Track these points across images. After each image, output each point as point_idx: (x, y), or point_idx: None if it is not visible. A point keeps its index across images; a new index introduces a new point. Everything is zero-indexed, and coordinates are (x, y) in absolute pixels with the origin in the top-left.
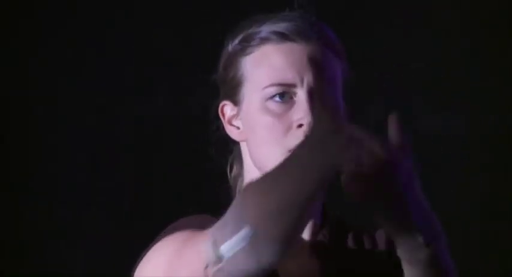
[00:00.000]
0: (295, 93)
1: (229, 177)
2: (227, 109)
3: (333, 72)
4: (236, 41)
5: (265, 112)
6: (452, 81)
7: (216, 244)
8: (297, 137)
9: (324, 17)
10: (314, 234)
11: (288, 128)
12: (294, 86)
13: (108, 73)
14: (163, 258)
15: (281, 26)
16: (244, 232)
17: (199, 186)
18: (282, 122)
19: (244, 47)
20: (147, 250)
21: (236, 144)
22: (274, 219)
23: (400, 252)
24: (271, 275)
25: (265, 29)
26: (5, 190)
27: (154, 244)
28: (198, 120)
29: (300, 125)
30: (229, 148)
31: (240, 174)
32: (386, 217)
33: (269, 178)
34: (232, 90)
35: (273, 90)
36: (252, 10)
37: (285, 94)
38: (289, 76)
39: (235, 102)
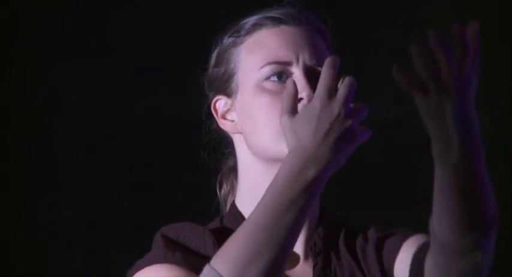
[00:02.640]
0: (291, 73)
1: (218, 194)
2: (220, 104)
3: (326, 57)
4: (226, 37)
5: (262, 92)
6: None
7: None
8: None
9: (323, 17)
10: (308, 235)
11: None
12: (289, 63)
13: (108, 73)
14: None
15: (273, 12)
16: None
17: (200, 186)
18: (280, 99)
19: (235, 39)
20: (137, 268)
21: (229, 144)
22: (252, 267)
23: (435, 153)
24: None
25: (255, 17)
26: (5, 190)
27: (144, 265)
28: (198, 120)
29: (299, 100)
30: (221, 151)
31: (230, 191)
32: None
33: (239, 230)
34: (224, 84)
35: (269, 69)
36: (252, 10)
37: (282, 74)
38: (284, 54)
39: (229, 95)
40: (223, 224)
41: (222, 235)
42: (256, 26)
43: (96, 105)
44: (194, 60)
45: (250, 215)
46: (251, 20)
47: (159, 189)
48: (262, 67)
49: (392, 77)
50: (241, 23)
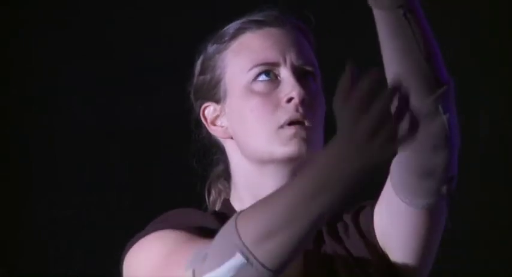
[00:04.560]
0: (279, 73)
1: (207, 201)
2: (209, 111)
3: (312, 57)
4: (209, 45)
5: (252, 94)
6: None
7: (201, 271)
8: (287, 111)
9: (323, 17)
10: None
11: (277, 105)
12: (277, 64)
13: (108, 73)
14: (148, 263)
15: (255, 15)
16: (232, 261)
17: (200, 186)
18: (270, 100)
19: (219, 45)
20: (138, 238)
21: (218, 150)
22: (271, 239)
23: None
24: None
25: (239, 22)
26: (5, 190)
27: (144, 234)
28: (197, 120)
29: (290, 99)
30: (210, 157)
31: (218, 198)
32: None
33: (263, 201)
34: (211, 91)
35: (257, 70)
36: (252, 11)
37: (270, 72)
38: (271, 55)
39: (217, 101)
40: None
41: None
42: (240, 30)
43: (96, 105)
44: (194, 60)
45: (285, 188)
46: (234, 25)
47: (159, 189)
48: (250, 69)
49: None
50: (224, 29)
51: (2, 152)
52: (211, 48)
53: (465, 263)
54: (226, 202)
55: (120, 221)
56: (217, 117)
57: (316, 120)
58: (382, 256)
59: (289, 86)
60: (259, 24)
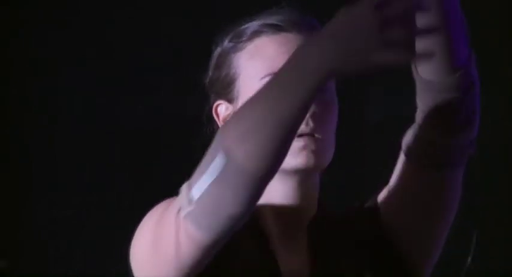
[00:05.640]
0: None
1: None
2: (221, 108)
3: None
4: (226, 40)
5: None
6: None
7: (189, 186)
8: None
9: (323, 17)
10: (309, 223)
11: None
12: None
13: (108, 73)
14: (151, 219)
15: (273, 19)
16: (215, 162)
17: None
18: None
19: (236, 44)
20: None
21: None
22: (248, 138)
23: (425, 77)
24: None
25: (256, 23)
26: (5, 190)
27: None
28: (197, 120)
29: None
30: None
31: None
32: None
33: (243, 105)
34: (225, 89)
35: (267, 78)
36: (252, 10)
37: None
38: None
39: (230, 100)
40: None
41: None
42: (256, 33)
43: (96, 105)
44: (194, 60)
45: (256, 92)
46: (252, 25)
47: (159, 189)
48: (263, 77)
49: (393, 76)
50: (242, 27)
51: (2, 152)
52: (228, 45)
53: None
54: None
55: (120, 221)
56: (229, 115)
57: (327, 131)
58: (390, 248)
59: None
60: (276, 28)
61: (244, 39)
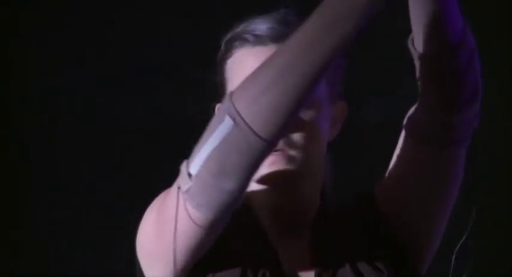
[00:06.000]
0: None
1: None
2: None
3: None
4: (223, 43)
5: None
6: None
7: (188, 162)
8: None
9: None
10: (316, 215)
11: None
12: None
13: (108, 73)
14: (156, 203)
15: (257, 28)
16: (221, 127)
17: None
18: None
19: (226, 50)
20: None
21: None
22: (261, 100)
23: (422, 52)
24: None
25: (243, 31)
26: (5, 190)
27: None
28: (197, 120)
29: None
30: None
31: None
32: None
33: (257, 68)
34: (222, 93)
35: None
36: (252, 11)
37: None
38: None
39: None
40: None
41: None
42: (240, 43)
43: (96, 105)
44: (194, 60)
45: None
46: (238, 32)
47: (159, 189)
48: (228, 89)
49: (392, 76)
50: (234, 32)
51: (2, 152)
52: (222, 49)
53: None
54: None
55: (120, 221)
56: None
57: (304, 146)
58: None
59: None
60: (255, 40)
61: (230, 47)
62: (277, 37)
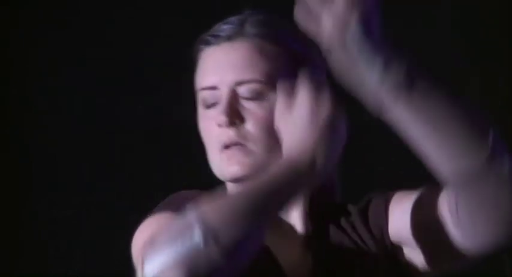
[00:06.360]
0: (220, 95)
1: None
2: None
3: (271, 68)
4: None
5: (201, 117)
6: (453, 81)
7: (145, 259)
8: (221, 135)
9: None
10: (306, 217)
11: (218, 128)
12: (215, 88)
13: (108, 73)
14: (137, 243)
15: (215, 30)
16: (186, 240)
17: (199, 186)
18: (212, 126)
19: (195, 53)
20: (145, 219)
21: None
22: (233, 227)
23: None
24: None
25: (206, 34)
26: (5, 190)
27: (151, 215)
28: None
29: (220, 125)
30: None
31: None
32: None
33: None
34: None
35: (200, 95)
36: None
37: (211, 97)
38: (209, 79)
39: None
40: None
41: None
42: (199, 48)
43: (96, 105)
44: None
45: (251, 184)
46: (203, 35)
47: (159, 189)
48: (198, 93)
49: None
50: (202, 35)
51: (2, 152)
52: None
53: None
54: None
55: (120, 221)
56: None
57: (260, 138)
58: (390, 251)
59: (219, 111)
60: (214, 39)
61: (196, 49)
62: (232, 36)
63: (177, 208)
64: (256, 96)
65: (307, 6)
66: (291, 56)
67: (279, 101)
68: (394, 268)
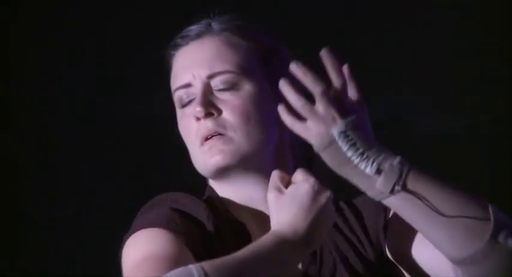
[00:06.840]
0: (194, 92)
1: None
2: None
3: (241, 59)
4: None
5: (180, 116)
6: (453, 81)
7: None
8: (200, 129)
9: (324, 18)
10: None
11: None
12: (188, 85)
13: (108, 73)
14: (130, 260)
15: (183, 32)
16: None
17: (199, 186)
18: (191, 122)
19: (167, 59)
20: (132, 230)
21: None
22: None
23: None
24: None
25: (175, 38)
26: (5, 190)
27: (139, 226)
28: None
29: (197, 119)
30: None
31: None
32: None
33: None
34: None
35: (175, 96)
36: (251, 10)
37: (186, 94)
38: (182, 77)
39: None
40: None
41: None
42: (170, 52)
43: (96, 105)
44: None
45: (251, 247)
46: (172, 41)
47: (159, 189)
48: (173, 95)
49: (393, 76)
50: (171, 41)
51: (2, 152)
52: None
53: None
54: (208, 188)
55: (120, 221)
56: None
57: (239, 127)
58: (386, 260)
59: (194, 104)
60: (180, 43)
61: (169, 53)
62: (200, 34)
63: (165, 220)
64: (230, 86)
65: (292, 108)
66: (259, 47)
67: (273, 175)
68: (386, 270)
